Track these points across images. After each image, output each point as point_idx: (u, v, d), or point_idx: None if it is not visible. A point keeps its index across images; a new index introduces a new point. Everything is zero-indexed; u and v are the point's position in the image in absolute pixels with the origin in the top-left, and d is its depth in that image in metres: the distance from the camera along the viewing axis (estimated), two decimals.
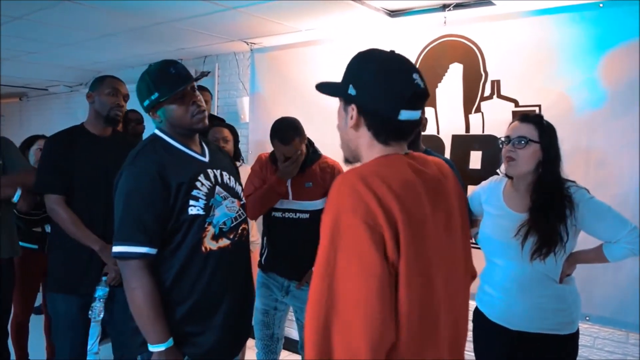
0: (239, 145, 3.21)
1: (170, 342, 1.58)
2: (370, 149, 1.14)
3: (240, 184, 1.88)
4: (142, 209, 1.57)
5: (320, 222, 1.02)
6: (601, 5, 2.49)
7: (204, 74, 1.74)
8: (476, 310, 2.10)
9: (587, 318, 2.56)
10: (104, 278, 2.26)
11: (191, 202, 1.61)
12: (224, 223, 1.70)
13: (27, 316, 3.21)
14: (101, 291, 2.24)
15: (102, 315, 2.25)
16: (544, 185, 1.88)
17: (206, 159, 1.76)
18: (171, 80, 1.62)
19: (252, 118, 3.89)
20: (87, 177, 2.30)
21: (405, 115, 1.08)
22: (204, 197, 1.64)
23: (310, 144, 2.53)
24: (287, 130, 2.39)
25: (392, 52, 1.14)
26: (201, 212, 1.62)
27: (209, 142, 1.90)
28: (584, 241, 1.92)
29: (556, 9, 2.62)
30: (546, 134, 1.89)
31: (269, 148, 3.64)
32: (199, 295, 1.64)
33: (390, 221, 0.97)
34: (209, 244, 1.65)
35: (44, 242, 3.17)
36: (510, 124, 1.97)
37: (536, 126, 1.90)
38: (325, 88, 1.21)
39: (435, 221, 1.07)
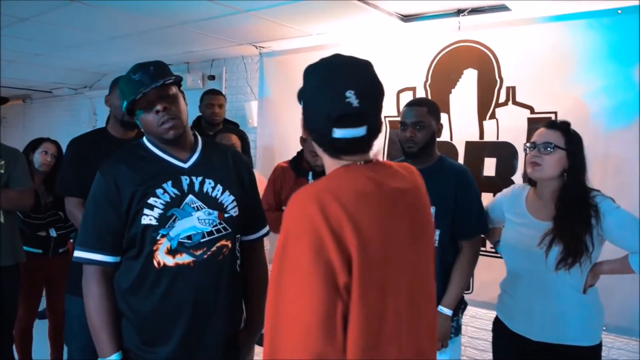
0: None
1: (117, 356, 1.49)
2: (328, 159, 1.13)
3: (235, 194, 1.63)
4: (95, 215, 1.53)
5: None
6: (619, 11, 2.46)
7: (170, 78, 1.57)
8: (496, 319, 2.07)
9: (604, 328, 2.51)
10: None
11: (145, 211, 1.49)
12: (189, 237, 1.52)
13: (31, 321, 3.16)
14: None
15: None
16: (569, 194, 1.85)
17: (185, 165, 1.59)
18: (132, 87, 1.50)
19: (260, 122, 3.86)
20: None
21: (339, 133, 1.05)
22: (162, 207, 1.50)
23: None
24: None
25: (339, 63, 1.09)
26: (154, 222, 1.49)
27: (216, 146, 1.80)
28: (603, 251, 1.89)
29: (573, 15, 2.59)
30: (573, 142, 1.87)
31: (277, 153, 3.63)
32: (148, 313, 1.52)
33: (341, 244, 0.95)
34: (163, 259, 1.50)
35: (49, 247, 3.14)
36: (536, 130, 1.94)
37: (563, 133, 1.87)
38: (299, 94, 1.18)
39: (397, 234, 1.06)
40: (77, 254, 1.53)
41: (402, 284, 1.06)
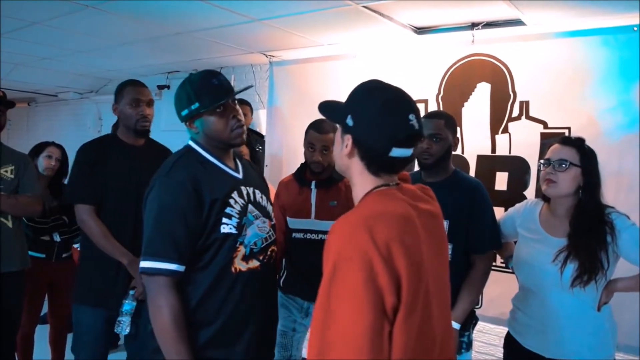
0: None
1: None
2: (362, 177, 1.18)
3: (271, 204, 1.80)
4: (174, 223, 1.49)
5: (322, 261, 1.05)
6: (635, 29, 2.45)
7: (246, 88, 1.69)
8: (508, 336, 2.05)
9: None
10: (131, 292, 2.19)
11: (224, 220, 1.54)
12: (255, 243, 1.62)
13: (32, 327, 3.12)
14: (128, 305, 2.17)
15: (128, 330, 2.17)
16: (584, 211, 1.84)
17: (240, 175, 1.70)
18: (213, 92, 1.57)
19: (268, 131, 3.84)
20: (118, 187, 2.24)
21: (396, 152, 1.13)
22: (237, 216, 1.57)
23: None
24: (325, 122, 2.38)
25: (397, 89, 1.18)
26: (234, 230, 1.56)
27: (241, 157, 1.84)
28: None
29: (589, 31, 2.58)
30: (587, 158, 1.86)
31: (285, 162, 3.62)
32: (224, 318, 1.56)
33: (391, 268, 0.99)
34: (239, 265, 1.58)
35: (52, 251, 3.12)
36: (550, 146, 1.92)
37: (578, 150, 1.86)
38: (326, 110, 1.26)
39: (430, 251, 1.11)
40: (149, 264, 1.49)
41: (434, 303, 1.10)
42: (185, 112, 1.62)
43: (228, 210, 1.56)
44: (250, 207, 1.63)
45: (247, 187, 1.67)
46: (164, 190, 1.52)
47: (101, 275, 2.24)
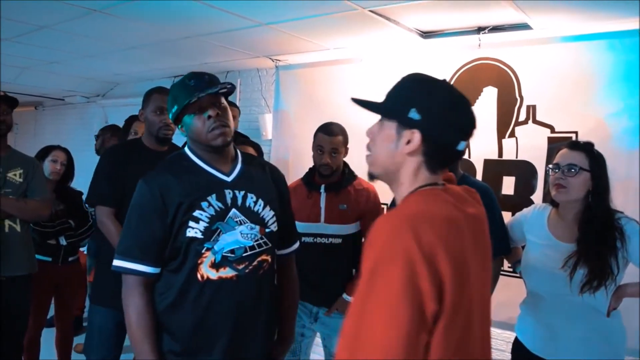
0: None
1: None
2: (415, 175, 1.11)
3: (275, 209, 1.66)
4: (140, 225, 1.52)
5: (362, 259, 0.99)
6: None
7: (226, 86, 1.63)
8: (516, 341, 2.04)
9: None
10: None
11: (190, 223, 1.49)
12: (232, 251, 1.52)
13: (39, 330, 3.12)
14: None
15: None
16: (594, 216, 1.83)
17: (229, 179, 1.60)
18: (187, 91, 1.53)
19: (275, 135, 3.85)
20: None
21: (462, 145, 1.10)
22: (207, 220, 1.51)
23: (345, 164, 2.48)
24: (334, 125, 2.38)
25: (448, 82, 1.16)
26: (199, 235, 1.49)
27: (253, 159, 1.77)
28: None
29: (595, 35, 2.58)
30: (597, 163, 1.85)
31: (292, 167, 3.62)
32: (191, 326, 1.51)
33: (434, 272, 0.93)
34: (207, 272, 1.50)
35: (58, 255, 3.13)
36: (559, 151, 1.92)
37: (587, 154, 1.85)
38: (369, 103, 1.16)
39: (475, 260, 1.05)
40: (119, 263, 1.52)
41: (476, 318, 1.05)
42: (170, 115, 1.62)
43: (196, 213, 1.50)
44: (233, 211, 1.55)
45: (235, 191, 1.58)
46: (137, 193, 1.55)
47: (114, 276, 2.24)
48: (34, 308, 2.92)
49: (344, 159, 2.47)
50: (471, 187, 2.07)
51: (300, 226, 2.42)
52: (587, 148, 1.87)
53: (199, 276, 1.50)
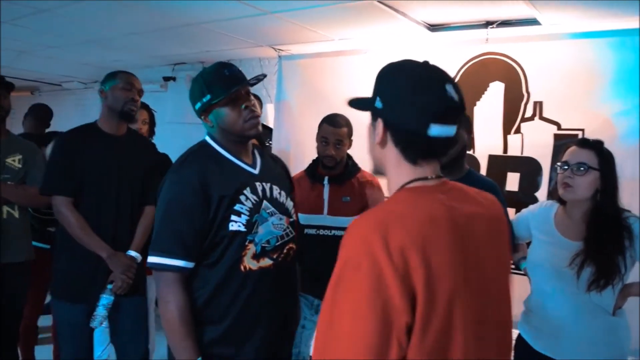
0: None
1: None
2: (398, 168, 1.05)
3: (292, 199, 1.75)
4: (180, 220, 1.49)
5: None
6: None
7: (259, 78, 1.64)
8: (519, 338, 2.03)
9: None
10: (109, 286, 2.15)
11: (232, 217, 1.51)
12: (268, 242, 1.58)
13: (35, 318, 3.11)
14: (106, 300, 2.13)
15: (105, 325, 2.14)
16: (602, 215, 1.81)
17: (256, 171, 1.65)
18: (224, 82, 1.54)
19: (276, 126, 3.81)
20: (97, 178, 2.19)
21: (436, 130, 0.97)
22: (247, 213, 1.54)
23: (348, 156, 2.46)
24: (339, 117, 2.37)
25: (425, 62, 1.04)
26: (242, 228, 1.52)
27: (264, 151, 1.80)
28: None
29: (604, 33, 2.56)
30: (606, 162, 1.84)
31: (293, 157, 3.59)
32: (233, 317, 1.53)
33: (405, 281, 0.86)
34: (249, 263, 1.54)
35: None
36: (567, 148, 1.90)
37: (597, 153, 1.83)
38: (355, 103, 1.13)
39: (471, 265, 0.96)
40: (157, 260, 1.49)
41: (472, 326, 0.94)
42: (198, 105, 1.60)
43: (237, 207, 1.53)
44: (265, 203, 1.60)
45: (263, 183, 1.63)
46: (172, 186, 1.52)
47: (79, 269, 2.19)
48: (31, 295, 2.89)
49: (347, 151, 2.45)
50: (477, 183, 2.09)
51: (303, 218, 2.40)
52: (596, 146, 1.85)
53: (242, 268, 1.53)
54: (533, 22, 2.68)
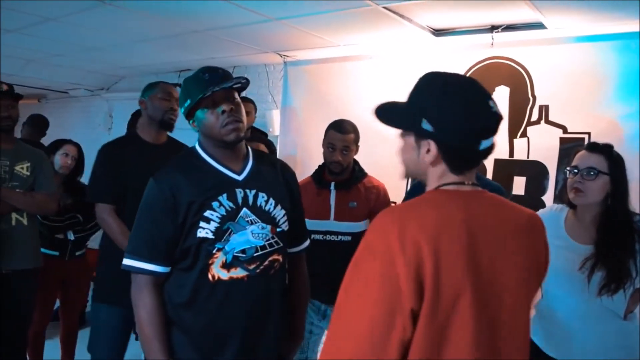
0: None
1: None
2: (442, 178, 1.10)
3: (286, 208, 1.63)
4: (150, 225, 1.50)
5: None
6: None
7: (240, 81, 1.60)
8: (530, 341, 2.02)
9: None
10: None
11: (201, 224, 1.47)
12: (243, 251, 1.50)
13: (44, 325, 3.10)
14: None
15: None
16: (612, 218, 1.80)
17: (240, 177, 1.57)
18: (202, 85, 1.49)
19: (282, 132, 3.82)
20: (138, 186, 2.21)
21: (484, 144, 1.06)
22: (218, 220, 1.48)
23: (355, 162, 2.46)
24: (346, 123, 2.37)
25: (468, 79, 1.11)
26: (210, 235, 1.47)
27: (263, 156, 1.75)
28: None
29: (609, 36, 2.56)
30: (616, 166, 1.82)
31: (300, 163, 3.59)
32: (203, 326, 1.50)
33: (416, 271, 0.93)
34: (218, 273, 1.48)
35: (66, 249, 3.11)
36: (577, 153, 1.90)
37: (606, 157, 1.82)
38: (388, 117, 1.14)
39: (476, 270, 0.99)
40: (128, 262, 1.51)
41: (476, 320, 0.98)
42: (182, 110, 1.59)
43: (207, 213, 1.48)
44: (244, 211, 1.52)
45: (246, 190, 1.55)
46: (147, 191, 1.54)
47: (120, 274, 2.22)
48: (40, 303, 2.91)
49: (354, 157, 2.46)
50: (484, 187, 2.09)
51: (310, 223, 2.39)
52: (606, 150, 1.84)
53: (210, 276, 1.49)
54: (538, 26, 2.67)
